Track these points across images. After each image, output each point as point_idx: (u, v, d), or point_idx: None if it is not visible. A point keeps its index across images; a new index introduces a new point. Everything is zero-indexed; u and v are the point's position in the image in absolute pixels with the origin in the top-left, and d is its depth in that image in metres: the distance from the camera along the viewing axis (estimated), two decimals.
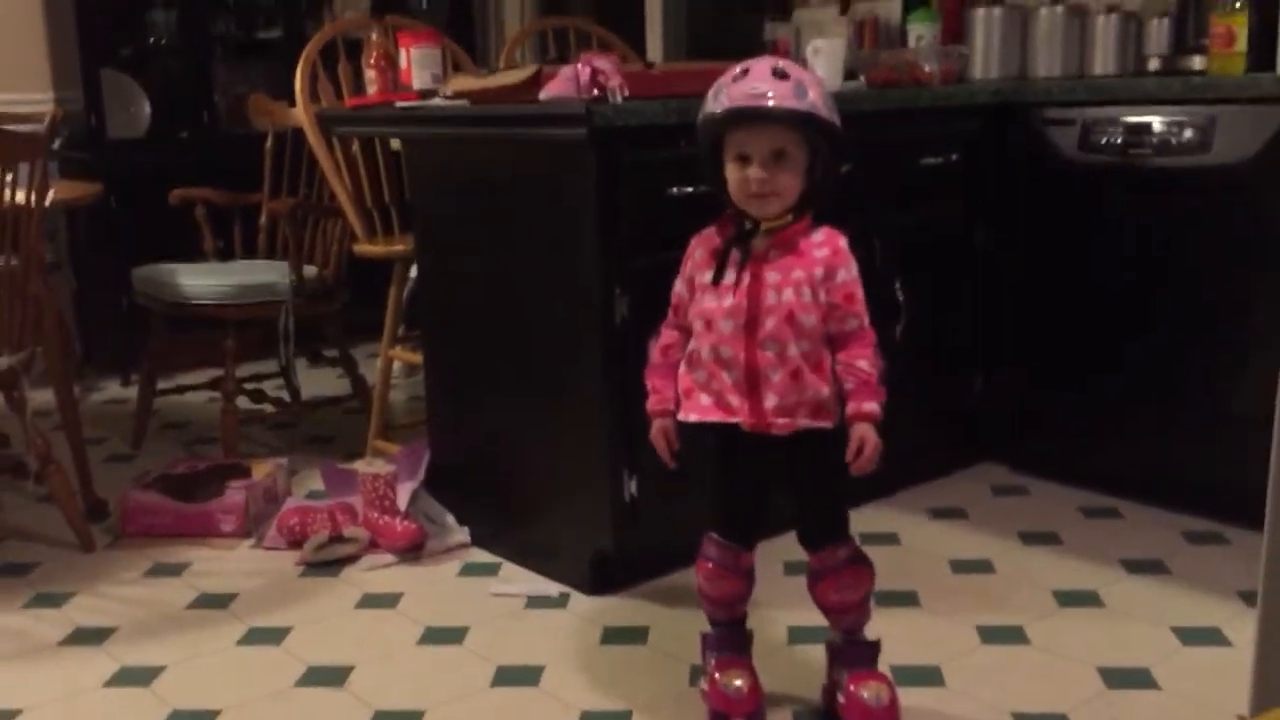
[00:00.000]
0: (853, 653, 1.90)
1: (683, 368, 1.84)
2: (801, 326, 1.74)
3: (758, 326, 1.75)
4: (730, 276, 1.77)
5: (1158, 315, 2.71)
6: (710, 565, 1.89)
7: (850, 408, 1.76)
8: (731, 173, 1.75)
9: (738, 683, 1.88)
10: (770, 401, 1.76)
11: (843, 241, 1.79)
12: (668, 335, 1.87)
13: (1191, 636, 2.18)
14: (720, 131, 1.74)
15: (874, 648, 1.91)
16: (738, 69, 1.74)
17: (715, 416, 1.79)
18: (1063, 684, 2.03)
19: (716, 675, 1.90)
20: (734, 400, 1.78)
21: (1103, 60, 3.14)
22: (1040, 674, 2.07)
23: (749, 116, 1.70)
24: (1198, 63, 2.95)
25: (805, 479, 1.86)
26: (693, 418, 1.81)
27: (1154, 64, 3.07)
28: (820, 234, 1.78)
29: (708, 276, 1.79)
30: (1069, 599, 2.35)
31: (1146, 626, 2.23)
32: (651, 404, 1.87)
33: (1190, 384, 2.67)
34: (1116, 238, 2.76)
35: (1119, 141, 2.69)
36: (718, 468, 1.88)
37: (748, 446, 1.80)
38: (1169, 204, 2.66)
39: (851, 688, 1.85)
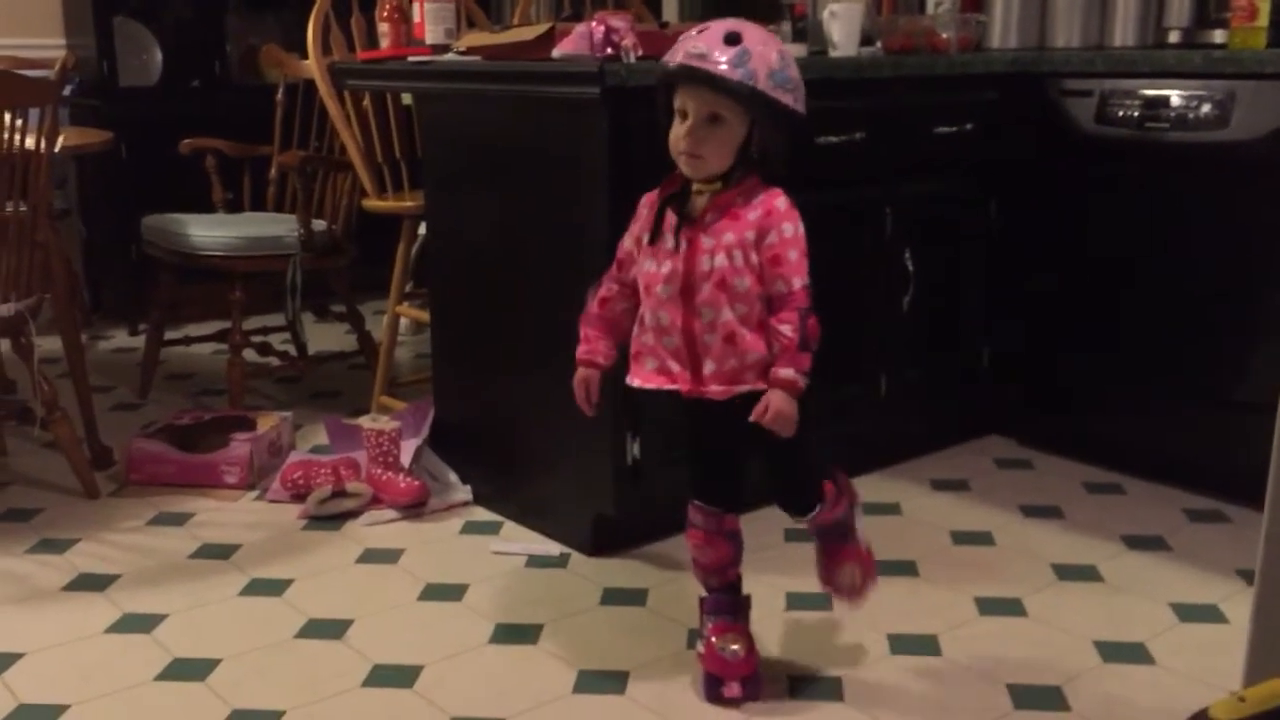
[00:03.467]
0: (823, 534, 1.96)
1: (635, 329, 1.83)
2: (735, 291, 1.72)
3: (694, 292, 1.74)
4: (669, 242, 1.76)
5: (1168, 292, 2.69)
6: (696, 532, 1.91)
7: (770, 373, 1.74)
8: (674, 127, 1.74)
9: (734, 647, 1.89)
10: (708, 368, 1.76)
11: (779, 201, 1.74)
12: (607, 288, 1.87)
13: (1189, 613, 2.19)
14: (667, 84, 1.74)
15: (842, 525, 1.94)
16: (697, 27, 1.72)
17: (656, 383, 1.80)
18: (1059, 656, 2.03)
19: (713, 639, 1.91)
20: (674, 366, 1.78)
21: (1122, 31, 3.10)
22: (1037, 646, 2.07)
23: (683, 76, 1.70)
24: (1219, 36, 2.91)
25: (764, 444, 1.82)
26: (636, 383, 1.82)
27: (1174, 36, 3.03)
28: (760, 195, 1.74)
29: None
30: (1068, 573, 2.35)
31: (1144, 602, 2.23)
32: (580, 352, 1.87)
33: (1198, 362, 2.66)
34: (1130, 213, 2.73)
35: (1136, 114, 2.67)
36: (689, 435, 1.89)
37: (709, 413, 1.80)
38: (1184, 180, 2.63)
39: (828, 564, 1.97)
